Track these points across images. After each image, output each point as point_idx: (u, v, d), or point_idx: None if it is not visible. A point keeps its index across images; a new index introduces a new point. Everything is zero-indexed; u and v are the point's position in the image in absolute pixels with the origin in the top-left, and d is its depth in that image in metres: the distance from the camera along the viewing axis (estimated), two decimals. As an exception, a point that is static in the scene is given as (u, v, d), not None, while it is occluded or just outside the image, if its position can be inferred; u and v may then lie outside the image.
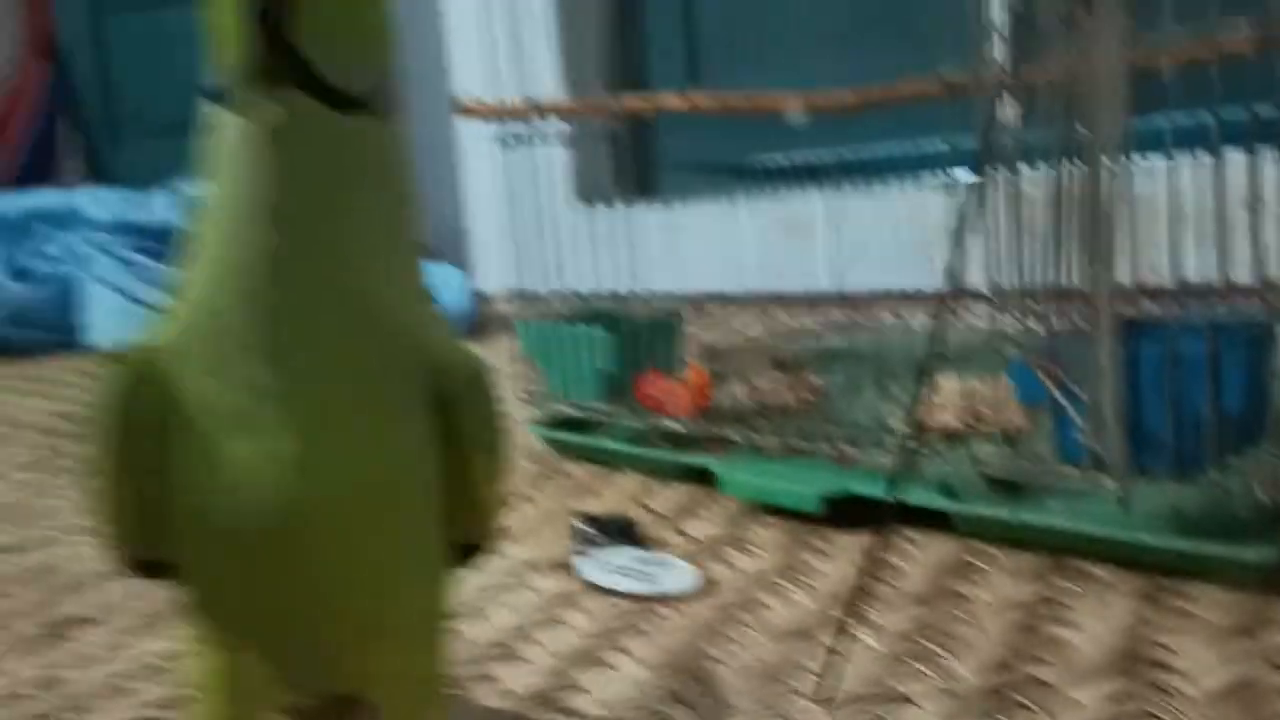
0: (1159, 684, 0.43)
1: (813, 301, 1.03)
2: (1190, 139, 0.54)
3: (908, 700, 0.44)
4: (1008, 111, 0.54)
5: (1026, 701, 0.42)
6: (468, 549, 0.34)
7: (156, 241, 1.43)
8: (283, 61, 0.27)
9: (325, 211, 0.28)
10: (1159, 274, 0.53)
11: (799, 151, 1.18)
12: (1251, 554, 0.49)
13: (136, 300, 1.39)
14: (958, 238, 0.42)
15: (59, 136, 2.23)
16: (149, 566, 0.32)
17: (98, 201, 1.52)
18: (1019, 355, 0.57)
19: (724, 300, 1.00)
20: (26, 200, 1.59)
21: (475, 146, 0.85)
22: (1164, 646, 0.45)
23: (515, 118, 0.80)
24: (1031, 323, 0.55)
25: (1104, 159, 0.44)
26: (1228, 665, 0.43)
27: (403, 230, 0.30)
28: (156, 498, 0.29)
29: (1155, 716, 0.40)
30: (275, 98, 0.27)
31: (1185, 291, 0.51)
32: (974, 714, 0.42)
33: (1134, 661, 0.45)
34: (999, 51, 0.54)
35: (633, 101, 0.80)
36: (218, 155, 0.28)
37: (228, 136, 0.28)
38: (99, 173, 2.20)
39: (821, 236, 1.00)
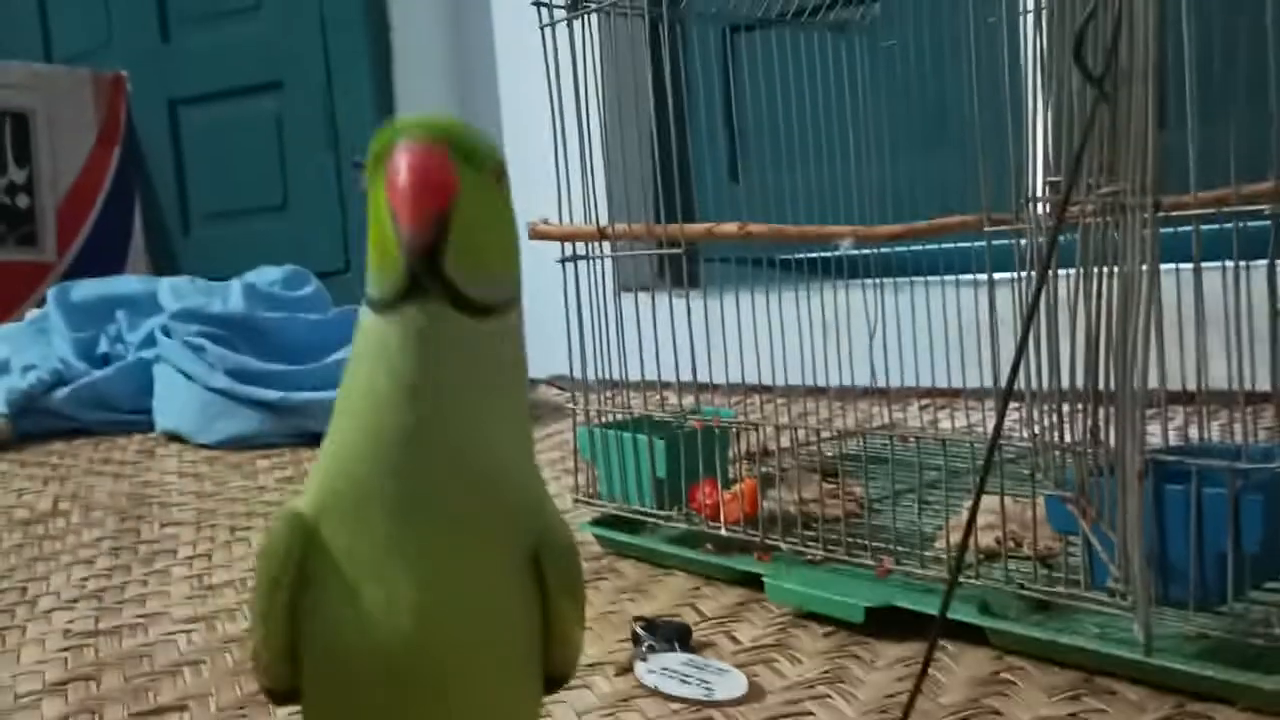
0: (1180, 805, 0.46)
1: (849, 395, 1.07)
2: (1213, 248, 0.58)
3: (946, 813, 0.47)
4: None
5: (1056, 818, 0.46)
6: (552, 680, 0.38)
7: (227, 329, 1.51)
8: (434, 283, 0.32)
9: (457, 394, 0.33)
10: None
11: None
12: (1269, 683, 0.52)
13: (206, 387, 1.45)
14: (1021, 344, 0.45)
15: (131, 221, 2.33)
16: (283, 695, 0.36)
17: (174, 290, 1.61)
18: (1053, 495, 0.61)
19: (766, 391, 1.05)
20: (106, 287, 1.68)
21: (530, 256, 0.90)
22: (1186, 769, 0.49)
23: (582, 240, 0.86)
24: (1067, 458, 0.59)
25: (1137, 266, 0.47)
26: (1245, 789, 0.47)
27: (520, 407, 0.35)
28: (294, 637, 0.34)
29: (1175, 837, 0.44)
30: (423, 309, 0.32)
31: (1209, 398, 0.55)
32: (1007, 828, 0.46)
33: (1158, 783, 0.48)
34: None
35: (692, 230, 0.85)
36: (363, 348, 0.33)
37: (374, 334, 0.33)
38: (170, 261, 2.29)
39: (859, 332, 1.05)
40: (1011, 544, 0.66)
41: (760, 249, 1.51)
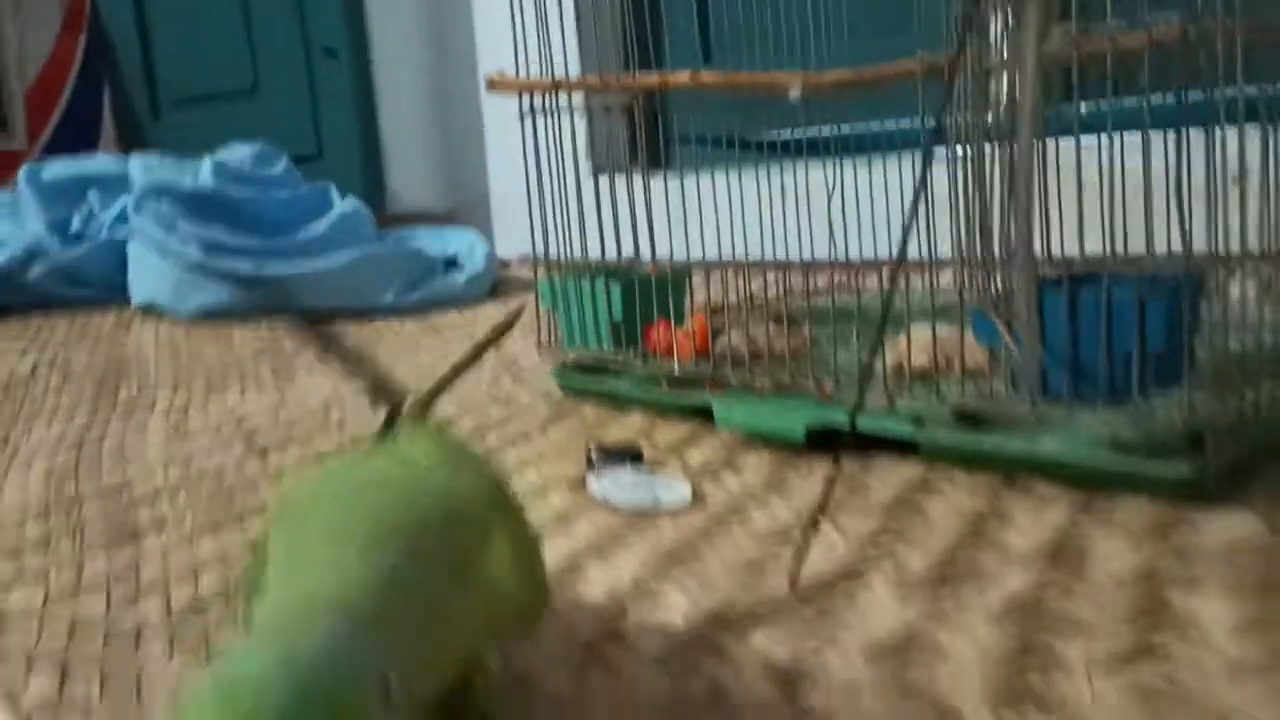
0: (1075, 570, 0.50)
1: (810, 267, 1.10)
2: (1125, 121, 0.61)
3: (862, 583, 0.51)
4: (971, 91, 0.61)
5: (962, 583, 0.50)
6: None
7: (199, 205, 1.52)
8: None
9: None
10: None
11: (803, 128, 1.25)
12: (1170, 470, 0.56)
13: (180, 260, 1.47)
14: (913, 208, 0.49)
15: (101, 107, 2.32)
16: None
17: (145, 167, 1.61)
18: (978, 307, 0.64)
19: (729, 265, 1.07)
20: (78, 166, 1.68)
21: (499, 122, 0.92)
22: (1085, 542, 0.53)
23: (536, 91, 0.88)
24: (988, 280, 0.62)
25: (1027, 136, 0.51)
26: (1136, 557, 0.51)
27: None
28: None
29: (1067, 591, 0.48)
30: None
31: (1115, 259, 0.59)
32: (916, 591, 0.50)
33: (1059, 553, 0.52)
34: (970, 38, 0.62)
35: (644, 78, 0.87)
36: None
37: None
38: (138, 142, 2.29)
39: (819, 207, 1.07)
40: (943, 364, 0.70)
41: (730, 128, 1.52)
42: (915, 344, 0.72)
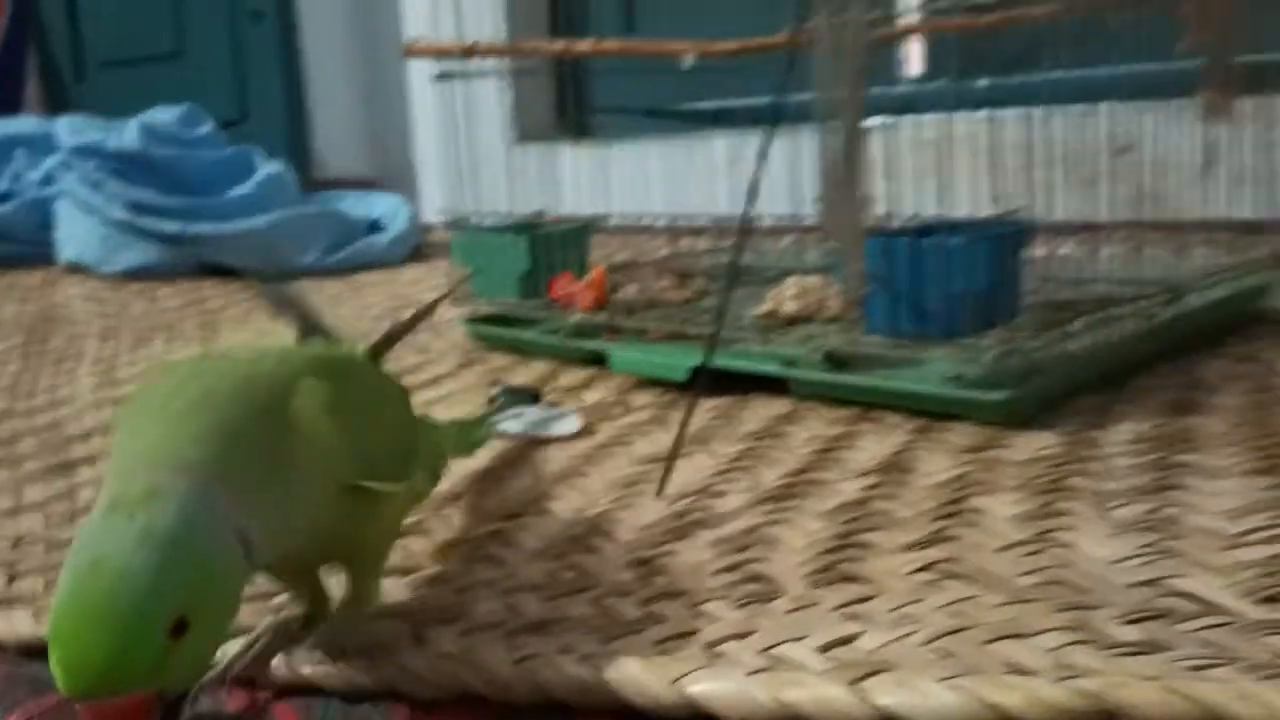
0: (900, 480, 0.58)
1: (715, 230, 1.17)
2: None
3: (721, 494, 0.59)
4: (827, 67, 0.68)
5: (805, 492, 0.58)
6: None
7: (125, 164, 1.55)
8: None
9: None
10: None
11: (720, 99, 1.33)
12: (993, 396, 0.65)
13: (107, 219, 1.51)
14: (757, 170, 0.56)
15: (25, 70, 2.32)
16: None
17: (71, 128, 1.64)
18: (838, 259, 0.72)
19: (638, 228, 1.14)
20: (4, 127, 1.70)
21: (422, 86, 0.98)
22: (913, 459, 0.61)
23: (451, 56, 0.94)
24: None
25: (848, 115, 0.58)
26: (952, 468, 0.59)
27: None
28: None
29: (890, 496, 0.56)
30: None
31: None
32: (766, 499, 0.58)
33: (891, 467, 0.60)
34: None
35: (550, 45, 0.94)
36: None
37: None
38: (63, 104, 2.29)
39: (725, 173, 1.14)
40: (813, 309, 0.78)
41: (650, 99, 1.59)
42: (786, 293, 0.80)
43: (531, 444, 0.70)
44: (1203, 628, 0.40)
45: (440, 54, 0.94)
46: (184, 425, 0.36)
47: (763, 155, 0.53)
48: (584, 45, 0.93)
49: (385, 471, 0.42)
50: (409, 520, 0.56)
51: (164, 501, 0.33)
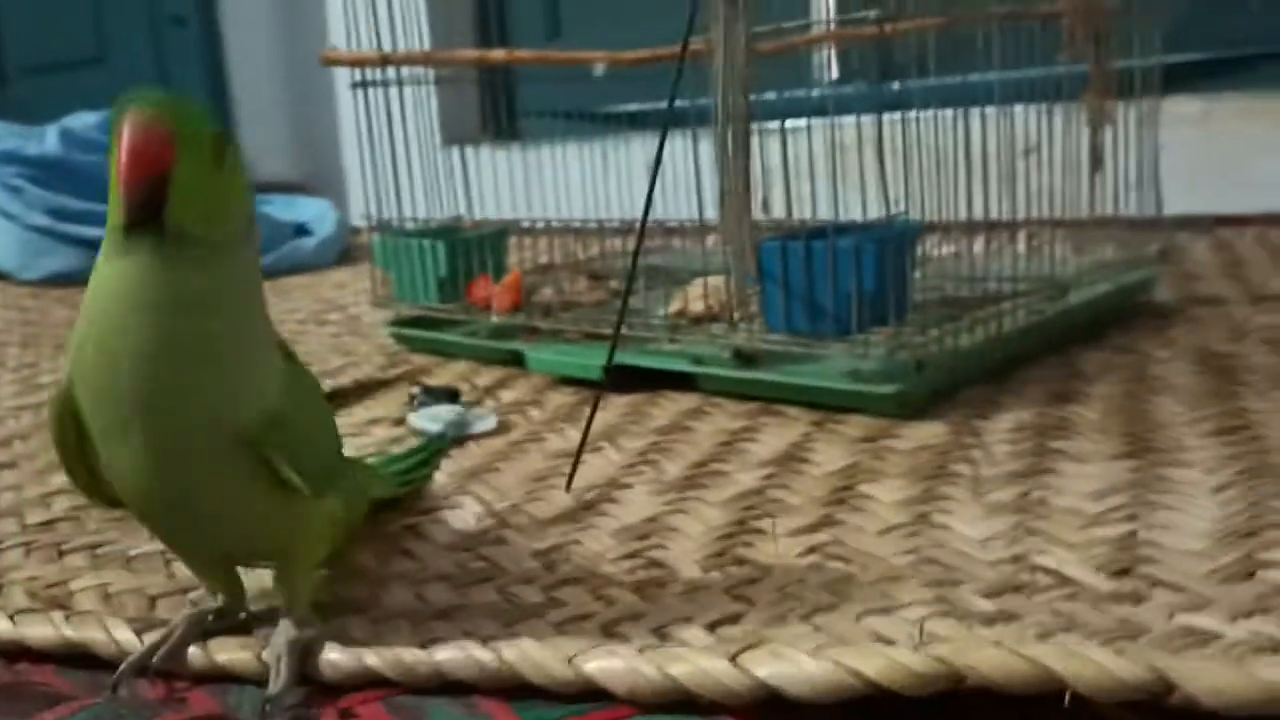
0: (796, 469, 0.62)
1: (629, 230, 1.20)
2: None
3: (627, 486, 0.62)
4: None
5: (706, 483, 0.61)
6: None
7: (45, 171, 1.55)
8: (154, 225, 0.39)
9: (177, 313, 0.40)
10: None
11: (637, 102, 1.35)
12: (885, 389, 0.68)
13: (27, 225, 1.50)
14: (653, 175, 0.59)
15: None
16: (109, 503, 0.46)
17: (-11, 134, 1.63)
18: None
19: (559, 229, 1.17)
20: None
21: (347, 91, 1.00)
22: (811, 449, 0.65)
23: (370, 65, 0.96)
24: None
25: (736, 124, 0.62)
26: (846, 458, 0.63)
27: (249, 322, 0.42)
28: (92, 468, 0.43)
29: (784, 485, 0.59)
30: (150, 247, 0.39)
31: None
32: (668, 490, 0.61)
33: (788, 458, 0.64)
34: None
35: (466, 54, 0.96)
36: (104, 270, 0.40)
37: (112, 261, 0.40)
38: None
39: (642, 175, 1.17)
40: (718, 309, 0.81)
41: (574, 102, 1.62)
42: (694, 292, 0.83)
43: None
44: (1055, 599, 0.44)
45: (358, 63, 0.95)
46: None
47: (657, 162, 0.56)
48: (499, 54, 0.95)
49: (308, 472, 0.44)
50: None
51: None
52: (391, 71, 0.98)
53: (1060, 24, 0.83)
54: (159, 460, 0.41)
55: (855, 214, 0.72)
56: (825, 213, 0.77)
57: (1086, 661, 0.36)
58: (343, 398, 0.87)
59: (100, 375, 0.41)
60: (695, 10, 0.58)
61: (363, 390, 0.89)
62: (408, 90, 1.00)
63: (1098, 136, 0.89)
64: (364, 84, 0.98)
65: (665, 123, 0.57)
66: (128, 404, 0.40)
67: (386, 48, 0.95)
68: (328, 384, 0.91)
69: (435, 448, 0.66)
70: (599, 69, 0.91)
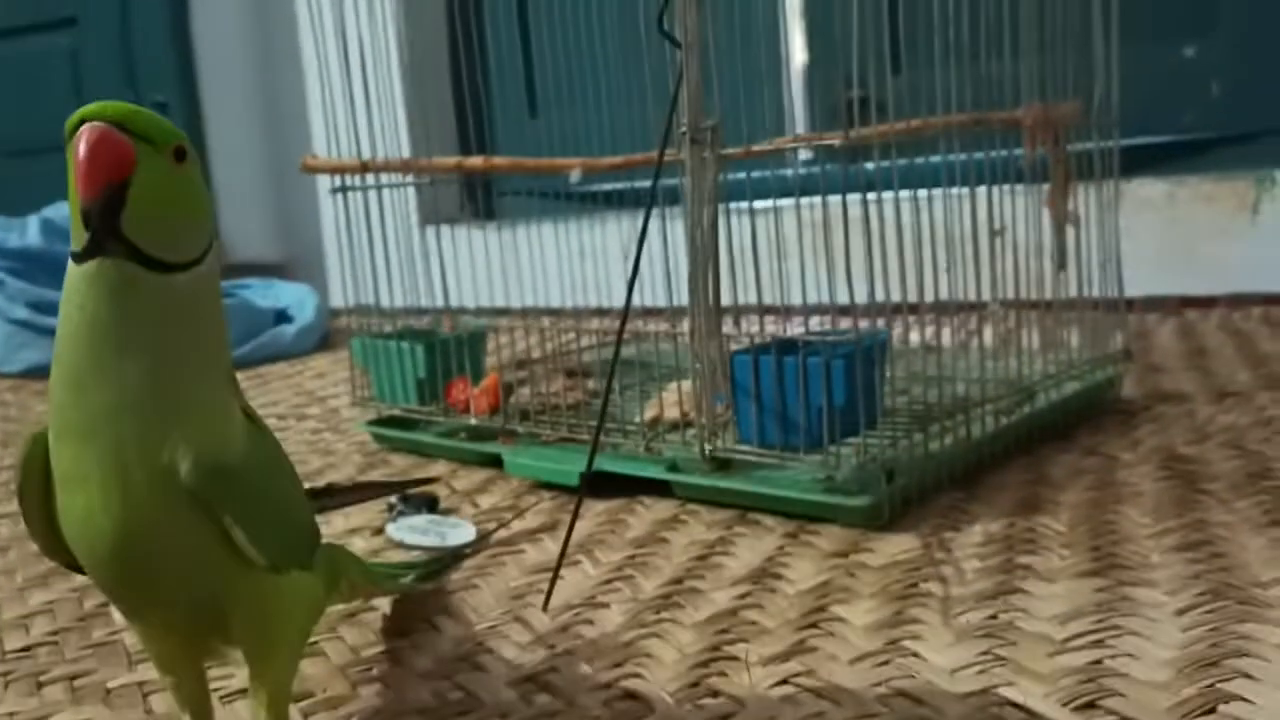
0: (770, 586, 0.63)
1: (604, 313, 1.22)
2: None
3: (604, 605, 0.63)
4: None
5: (680, 601, 0.62)
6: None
7: (25, 263, 1.56)
8: (111, 242, 0.38)
9: (134, 335, 0.39)
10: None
11: (610, 182, 1.38)
12: (856, 501, 0.70)
13: (7, 319, 1.51)
14: (634, 269, 0.61)
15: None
16: (71, 566, 0.44)
17: (-31, 227, 1.64)
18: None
19: (535, 312, 1.18)
20: (-101, 225, 1.69)
21: (327, 181, 1.02)
22: (784, 564, 0.66)
23: (347, 172, 0.97)
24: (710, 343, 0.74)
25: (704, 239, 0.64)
26: (819, 574, 0.64)
27: (207, 346, 0.41)
28: (53, 524, 0.42)
29: (759, 606, 0.60)
30: (106, 263, 0.38)
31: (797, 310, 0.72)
32: (644, 610, 0.61)
33: (762, 574, 0.64)
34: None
35: (443, 161, 0.98)
36: (66, 293, 0.40)
37: (72, 281, 0.39)
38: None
39: (619, 256, 1.18)
40: (693, 415, 0.82)
41: (550, 184, 1.64)
42: (669, 398, 0.84)
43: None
44: (1023, 735, 0.45)
45: (337, 170, 0.97)
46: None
47: (632, 280, 0.57)
48: (476, 162, 0.97)
49: (264, 539, 0.43)
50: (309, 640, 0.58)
51: None
52: (371, 177, 0.99)
53: (1019, 129, 0.86)
54: (108, 512, 0.40)
55: (824, 294, 0.72)
56: (797, 294, 0.78)
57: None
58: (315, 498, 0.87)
59: (58, 412, 0.40)
60: (665, 142, 0.60)
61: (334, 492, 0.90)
62: (386, 191, 1.01)
63: (1062, 236, 0.91)
64: (344, 189, 0.99)
65: (636, 258, 0.59)
66: (78, 442, 0.39)
67: (366, 154, 0.97)
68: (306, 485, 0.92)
69: (440, 566, 0.67)
70: (575, 175, 0.93)
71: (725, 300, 0.74)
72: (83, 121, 0.38)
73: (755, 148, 0.74)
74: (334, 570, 0.52)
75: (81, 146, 0.37)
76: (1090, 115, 0.89)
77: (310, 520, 0.50)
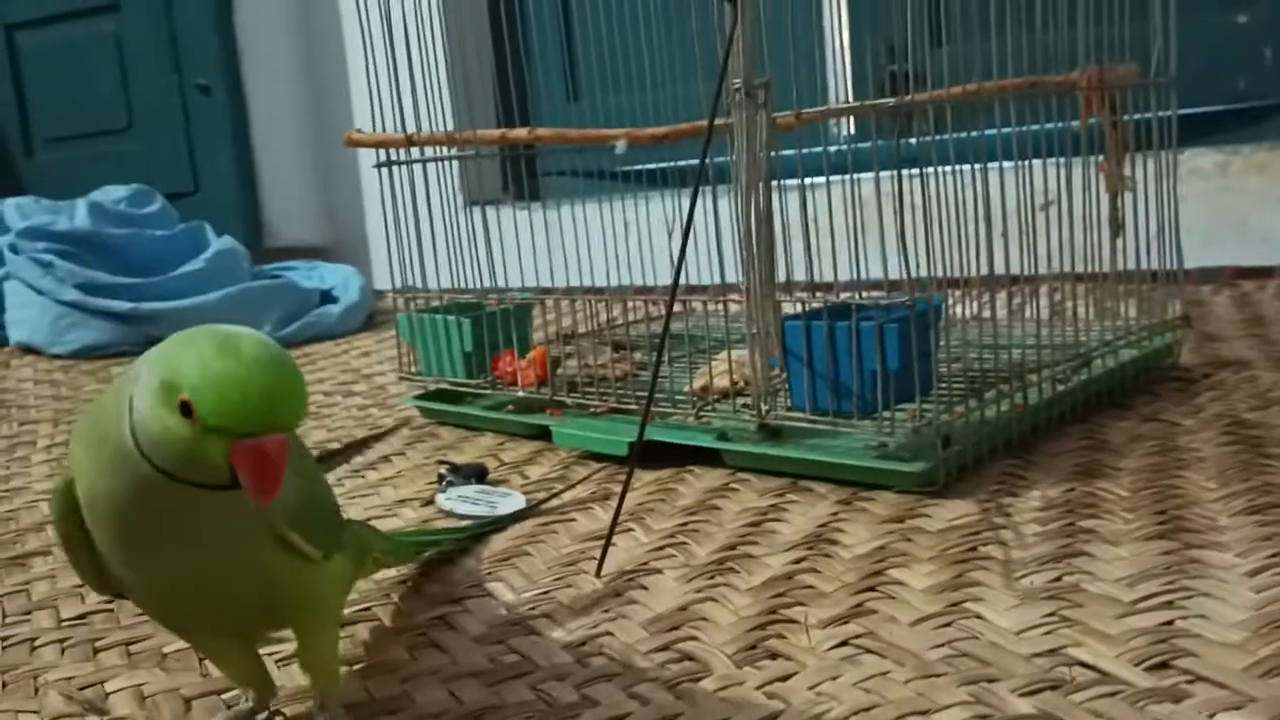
0: (825, 551, 0.62)
1: (648, 291, 1.21)
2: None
3: (657, 571, 0.62)
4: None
5: (736, 568, 0.61)
6: None
7: (74, 245, 1.57)
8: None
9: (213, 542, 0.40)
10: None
11: (655, 162, 1.37)
12: (910, 467, 0.68)
13: (57, 300, 1.52)
14: (684, 237, 0.60)
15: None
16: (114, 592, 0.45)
17: (19, 209, 1.66)
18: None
19: (583, 291, 1.17)
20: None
21: (373, 156, 1.01)
22: (839, 530, 0.65)
23: (392, 146, 0.97)
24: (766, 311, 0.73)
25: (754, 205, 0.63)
26: (875, 539, 0.63)
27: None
28: (96, 561, 0.43)
29: (814, 569, 0.59)
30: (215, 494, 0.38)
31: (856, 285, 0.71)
32: (698, 576, 0.61)
33: (816, 539, 0.64)
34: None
35: (489, 134, 0.97)
36: (127, 467, 0.38)
37: (153, 479, 0.37)
38: (11, 181, 2.30)
39: (659, 236, 1.17)
40: (742, 384, 0.81)
41: (595, 161, 1.64)
42: (718, 368, 0.83)
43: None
44: (1094, 697, 0.44)
45: (381, 145, 0.97)
46: None
47: (682, 253, 0.56)
48: (521, 133, 0.96)
49: (310, 535, 0.44)
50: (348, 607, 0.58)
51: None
52: (415, 150, 0.99)
53: (1075, 93, 0.84)
54: (189, 574, 0.41)
55: (875, 269, 0.72)
56: (845, 269, 0.78)
57: (1127, 771, 0.36)
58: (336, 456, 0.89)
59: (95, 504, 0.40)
60: (716, 105, 0.59)
61: (351, 449, 0.91)
62: (431, 165, 1.01)
63: (1117, 202, 0.89)
64: (388, 163, 0.99)
65: (688, 222, 0.58)
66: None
67: (410, 128, 0.96)
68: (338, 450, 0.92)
69: (483, 530, 0.67)
70: (620, 146, 0.92)
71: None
72: (247, 421, 0.35)
73: (806, 113, 0.73)
74: (362, 547, 0.53)
75: (260, 462, 0.35)
76: (1147, 77, 0.87)
77: (334, 499, 0.51)
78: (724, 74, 0.62)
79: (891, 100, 0.66)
